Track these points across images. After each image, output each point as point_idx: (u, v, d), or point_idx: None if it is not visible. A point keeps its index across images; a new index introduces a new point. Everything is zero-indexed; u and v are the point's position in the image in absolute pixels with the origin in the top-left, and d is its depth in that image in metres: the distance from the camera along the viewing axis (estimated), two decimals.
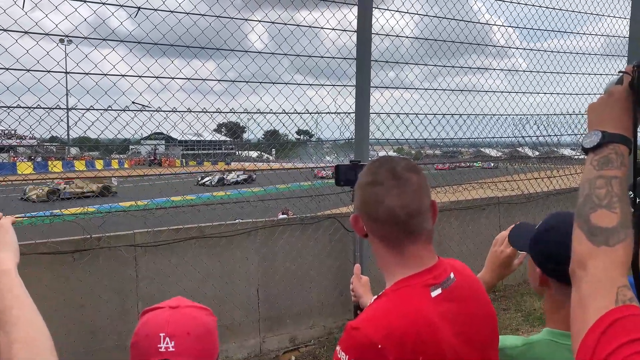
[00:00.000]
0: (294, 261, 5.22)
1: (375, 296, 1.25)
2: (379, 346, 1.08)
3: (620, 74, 0.95)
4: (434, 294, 1.19)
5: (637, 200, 1.01)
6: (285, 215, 6.71)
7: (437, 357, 1.12)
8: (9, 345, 0.90)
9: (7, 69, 3.84)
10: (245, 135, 8.62)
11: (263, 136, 7.63)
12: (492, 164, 10.64)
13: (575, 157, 9.63)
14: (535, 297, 6.31)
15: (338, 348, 1.14)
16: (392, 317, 1.14)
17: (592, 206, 0.89)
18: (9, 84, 3.94)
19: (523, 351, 1.38)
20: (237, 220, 5.24)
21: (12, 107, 3.99)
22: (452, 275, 1.26)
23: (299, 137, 8.40)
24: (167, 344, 1.11)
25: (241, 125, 7.31)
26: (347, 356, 1.11)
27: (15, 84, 3.96)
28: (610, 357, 0.73)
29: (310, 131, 6.48)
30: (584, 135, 0.99)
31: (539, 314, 5.87)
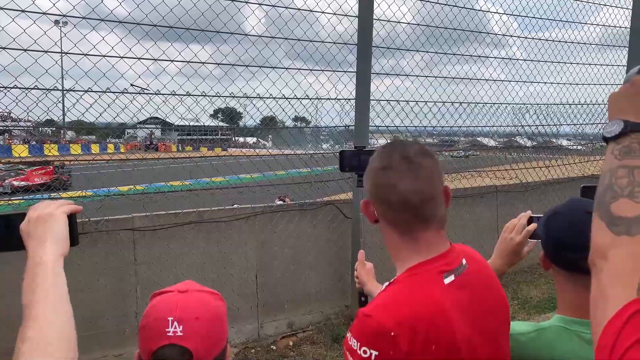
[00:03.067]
0: (293, 247, 5.22)
1: (387, 283, 1.23)
2: (392, 333, 1.06)
3: None
4: (447, 280, 1.17)
5: None
6: (281, 202, 6.69)
7: (450, 345, 1.11)
8: (20, 341, 0.90)
9: (4, 49, 3.77)
10: (242, 122, 8.57)
11: (260, 123, 7.58)
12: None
13: (571, 147, 9.64)
14: (531, 285, 6.35)
15: (349, 334, 1.12)
16: (405, 304, 1.12)
17: (614, 195, 0.87)
18: (6, 64, 3.87)
19: (533, 337, 1.38)
20: (235, 206, 5.22)
21: (8, 87, 3.93)
22: (464, 261, 1.24)
23: (295, 123, 8.35)
24: (175, 328, 1.10)
25: (238, 111, 7.25)
26: (358, 343, 1.08)
27: (12, 64, 3.89)
28: (630, 349, 0.72)
29: (308, 118, 6.44)
30: (604, 124, 0.96)
31: (535, 302, 5.91)
